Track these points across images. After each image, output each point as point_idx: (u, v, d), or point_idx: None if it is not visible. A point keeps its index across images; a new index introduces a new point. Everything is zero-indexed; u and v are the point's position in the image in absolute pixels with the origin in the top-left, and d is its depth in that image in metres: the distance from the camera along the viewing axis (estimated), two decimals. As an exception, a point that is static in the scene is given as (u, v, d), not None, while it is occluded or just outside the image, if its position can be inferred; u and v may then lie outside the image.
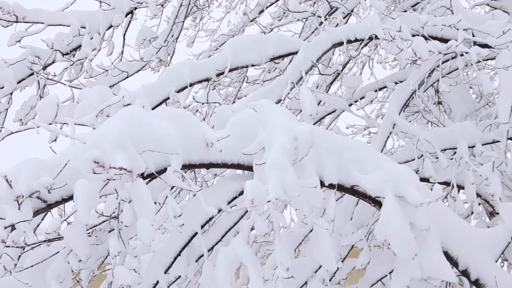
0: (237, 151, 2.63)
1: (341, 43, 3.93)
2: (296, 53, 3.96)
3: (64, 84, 3.98)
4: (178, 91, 3.76)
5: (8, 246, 1.77)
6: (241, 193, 2.89)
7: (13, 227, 1.89)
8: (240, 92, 5.90)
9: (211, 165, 2.65)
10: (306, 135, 2.25)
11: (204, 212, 2.59)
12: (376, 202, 2.72)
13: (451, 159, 4.44)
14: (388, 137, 4.09)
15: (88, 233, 2.22)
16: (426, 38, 3.62)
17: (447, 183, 4.17)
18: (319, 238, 2.40)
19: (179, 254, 2.77)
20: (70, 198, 2.27)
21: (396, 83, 4.77)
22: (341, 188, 2.69)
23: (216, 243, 3.42)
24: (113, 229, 2.46)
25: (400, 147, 6.49)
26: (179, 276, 3.66)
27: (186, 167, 2.55)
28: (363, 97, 4.82)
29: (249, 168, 2.69)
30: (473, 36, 3.63)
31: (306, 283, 3.41)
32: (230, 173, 3.48)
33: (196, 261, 3.41)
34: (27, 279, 1.84)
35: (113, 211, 2.26)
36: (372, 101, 4.67)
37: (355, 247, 3.71)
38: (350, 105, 4.66)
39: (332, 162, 2.65)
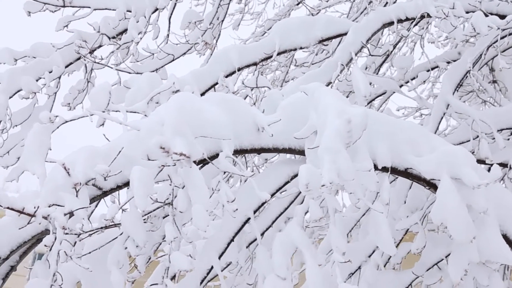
0: (288, 135, 2.60)
1: (391, 23, 3.84)
2: (345, 34, 3.89)
3: (111, 68, 4.02)
4: (227, 76, 3.75)
5: (67, 233, 1.80)
6: (293, 177, 2.86)
7: (71, 214, 1.92)
8: (287, 75, 5.85)
9: (262, 150, 2.63)
10: (360, 117, 2.20)
11: (257, 197, 2.58)
12: (431, 185, 2.66)
13: (508, 139, 4.30)
14: (442, 118, 3.98)
15: (144, 220, 2.25)
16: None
17: (504, 165, 4.03)
18: (376, 222, 2.36)
19: (232, 240, 2.77)
20: (125, 185, 2.30)
21: (448, 62, 4.63)
22: (394, 171, 2.63)
23: (267, 229, 3.41)
24: (168, 215, 2.49)
25: (454, 128, 6.32)
26: (230, 262, 3.68)
27: (238, 152, 2.54)
28: (414, 78, 4.71)
29: (301, 153, 2.66)
30: (532, 10, 3.48)
31: (359, 267, 3.37)
32: (281, 157, 3.46)
33: (246, 247, 3.41)
34: (87, 265, 1.87)
35: (167, 197, 2.28)
36: (424, 81, 4.55)
37: (409, 232, 3.64)
38: (401, 86, 4.56)
39: (385, 144, 2.59)
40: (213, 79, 3.72)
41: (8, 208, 1.64)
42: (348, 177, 2.03)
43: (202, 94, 3.68)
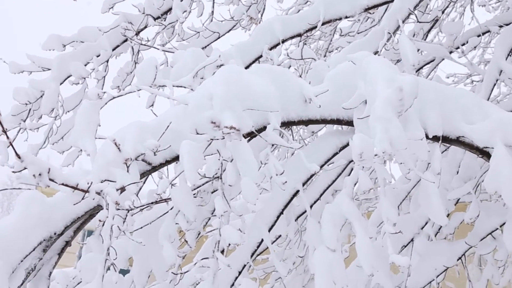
0: (336, 105, 2.55)
1: (439, -13, 3.72)
2: (391, 1, 3.78)
3: (157, 49, 4.03)
4: (271, 49, 3.70)
5: (119, 209, 1.81)
6: (341, 148, 2.82)
7: (122, 190, 1.94)
8: (331, 45, 5.75)
9: (309, 122, 2.60)
10: (410, 85, 2.14)
11: (305, 169, 2.56)
12: (484, 153, 2.58)
13: None
14: (495, 84, 3.85)
15: (193, 194, 2.25)
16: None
17: (560, 131, 3.88)
18: (427, 192, 2.30)
19: (281, 213, 2.76)
20: (173, 160, 2.30)
21: (500, 26, 4.46)
22: (446, 140, 2.56)
23: (314, 202, 3.39)
24: (216, 190, 2.49)
25: (507, 95, 6.12)
26: (279, 236, 3.68)
27: (285, 124, 2.52)
28: (464, 44, 4.55)
29: (349, 123, 2.61)
30: None
31: (412, 240, 3.32)
32: (328, 129, 3.42)
33: (295, 220, 3.40)
34: (140, 240, 1.89)
35: (215, 171, 2.28)
36: (475, 47, 4.40)
37: (461, 202, 3.57)
38: (451, 52, 4.42)
39: (436, 113, 2.52)
40: (257, 51, 3.68)
41: (63, 184, 1.67)
42: (401, 146, 1.98)
43: (247, 68, 3.65)
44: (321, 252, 2.19)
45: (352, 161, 3.16)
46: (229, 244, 2.06)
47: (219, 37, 4.71)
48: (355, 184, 2.45)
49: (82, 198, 1.76)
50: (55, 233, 2.19)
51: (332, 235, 2.21)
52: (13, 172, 1.56)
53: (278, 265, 2.69)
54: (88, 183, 1.73)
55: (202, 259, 1.95)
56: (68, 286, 2.41)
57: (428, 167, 2.46)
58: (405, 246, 3.30)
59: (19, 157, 1.48)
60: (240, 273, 2.60)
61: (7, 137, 1.43)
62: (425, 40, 5.04)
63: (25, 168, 1.52)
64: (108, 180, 1.86)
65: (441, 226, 3.60)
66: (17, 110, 4.39)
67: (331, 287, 2.09)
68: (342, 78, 2.56)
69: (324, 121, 2.63)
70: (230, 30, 4.82)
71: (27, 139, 4.43)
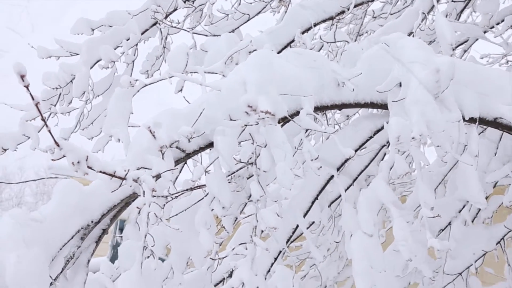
0: (370, 89, 2.51)
1: (474, -35, 3.62)
2: (424, -19, 3.69)
3: (187, 31, 4.01)
4: (303, 33, 3.66)
5: (155, 196, 1.82)
6: (376, 132, 2.78)
7: (157, 177, 1.94)
8: (362, 28, 5.66)
9: (343, 106, 2.56)
10: (447, 66, 2.09)
11: (340, 154, 2.54)
12: (524, 134, 2.52)
13: None
14: (533, 64, 3.75)
15: (228, 180, 2.25)
16: None
17: None
18: (465, 175, 2.26)
19: (316, 198, 2.74)
20: (207, 146, 2.30)
21: (538, 3, 4.33)
22: (482, 121, 2.50)
23: (348, 187, 3.36)
24: (251, 176, 2.49)
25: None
26: (313, 222, 3.66)
27: (318, 109, 2.49)
28: (499, 23, 4.43)
29: (383, 106, 2.57)
30: None
31: (450, 224, 3.27)
32: (362, 112, 3.37)
33: (328, 206, 3.38)
34: (177, 226, 1.90)
35: (250, 157, 2.27)
36: (511, 26, 4.28)
37: (499, 185, 3.50)
38: (485, 32, 4.31)
39: (472, 94, 2.47)
40: (289, 36, 3.65)
41: (100, 171, 1.68)
42: (438, 128, 1.94)
43: (279, 53, 3.62)
44: (358, 237, 2.18)
45: (384, 146, 3.12)
46: (262, 231, 2.05)
47: (248, 19, 4.66)
48: (390, 168, 2.42)
49: (120, 186, 1.77)
50: (92, 221, 2.21)
51: (368, 219, 2.18)
52: (52, 160, 1.57)
53: (314, 251, 2.68)
54: (125, 171, 1.74)
55: (240, 244, 1.95)
56: (113, 276, 2.44)
57: (465, 150, 2.40)
58: (443, 230, 3.25)
59: (58, 145, 1.49)
60: (275, 259, 2.60)
61: (46, 125, 1.44)
62: (458, 20, 4.92)
63: (63, 156, 1.53)
64: (144, 168, 1.87)
65: (479, 210, 3.54)
66: (47, 95, 4.43)
67: (369, 272, 2.07)
68: (376, 61, 2.52)
69: (358, 105, 2.59)
70: (259, 12, 4.77)
71: (58, 124, 4.47)
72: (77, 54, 4.42)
